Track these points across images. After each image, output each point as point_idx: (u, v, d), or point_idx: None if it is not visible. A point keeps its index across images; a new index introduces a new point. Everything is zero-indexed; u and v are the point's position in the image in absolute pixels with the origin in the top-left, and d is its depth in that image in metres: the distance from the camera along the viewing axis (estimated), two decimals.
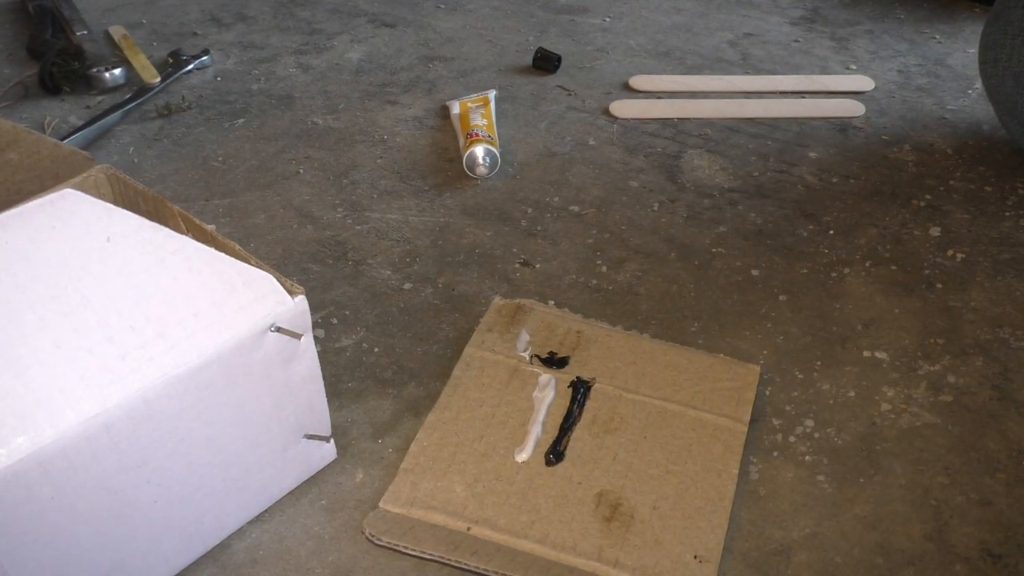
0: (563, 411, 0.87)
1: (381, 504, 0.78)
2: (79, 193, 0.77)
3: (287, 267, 1.05)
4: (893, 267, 1.08)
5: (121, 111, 1.29)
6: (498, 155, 1.20)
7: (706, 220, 1.15)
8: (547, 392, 0.88)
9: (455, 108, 1.30)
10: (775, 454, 0.85)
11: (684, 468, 0.82)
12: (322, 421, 0.80)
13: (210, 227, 0.78)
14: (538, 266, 1.07)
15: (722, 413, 0.87)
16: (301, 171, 1.21)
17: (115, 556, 0.68)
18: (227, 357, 0.67)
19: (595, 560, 0.74)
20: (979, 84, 1.34)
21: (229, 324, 0.68)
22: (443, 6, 1.65)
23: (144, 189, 0.81)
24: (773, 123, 1.35)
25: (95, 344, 0.65)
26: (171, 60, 1.42)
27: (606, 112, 1.36)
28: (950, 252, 1.10)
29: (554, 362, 0.91)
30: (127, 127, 1.29)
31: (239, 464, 0.73)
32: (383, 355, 0.94)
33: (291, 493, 0.80)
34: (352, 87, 1.40)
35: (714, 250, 1.10)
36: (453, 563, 0.73)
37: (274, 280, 0.71)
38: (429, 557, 0.73)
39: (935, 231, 1.13)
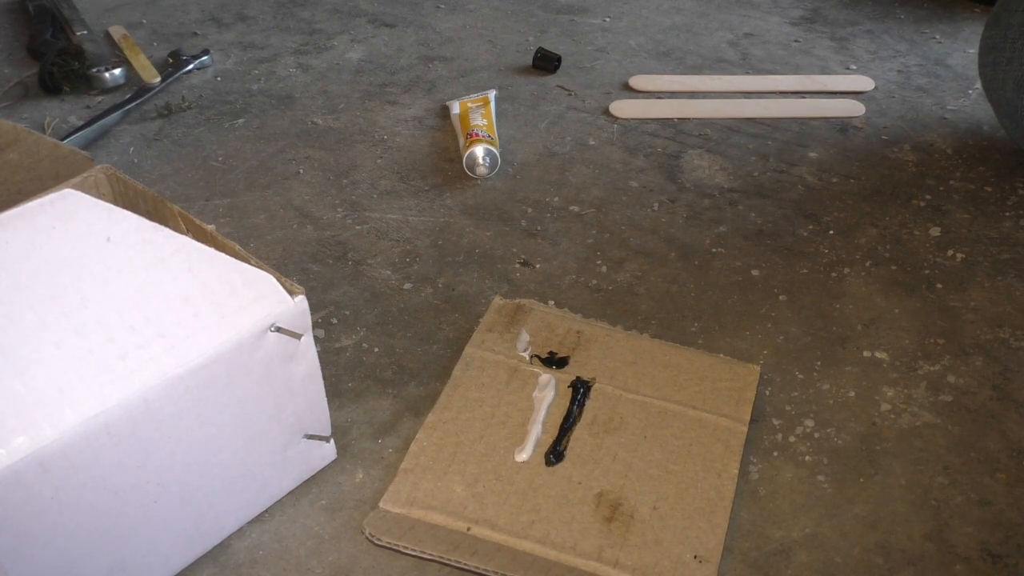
0: (563, 411, 0.87)
1: (381, 504, 0.78)
2: (79, 193, 0.77)
3: (287, 267, 1.05)
4: (893, 267, 1.08)
5: (121, 111, 1.29)
6: (498, 155, 1.20)
7: (706, 220, 1.15)
8: (547, 392, 0.88)
9: (455, 108, 1.30)
10: (775, 454, 0.85)
11: (684, 468, 0.82)
12: (322, 421, 0.80)
13: (210, 227, 0.78)
14: (538, 266, 1.07)
15: (722, 413, 0.87)
16: (301, 171, 1.21)
17: (115, 556, 0.68)
18: (227, 357, 0.67)
19: (595, 560, 0.74)
20: (979, 84, 1.34)
21: (229, 324, 0.68)
22: (443, 6, 1.65)
23: (144, 189, 0.81)
24: (773, 123, 1.35)
25: (95, 344, 0.65)
26: (171, 60, 1.42)
27: (606, 112, 1.36)
28: (950, 252, 1.10)
29: (554, 362, 0.91)
30: (127, 127, 1.29)
31: (239, 464, 0.73)
32: (383, 355, 0.94)
33: (291, 493, 0.80)
34: (352, 87, 1.40)
35: (714, 250, 1.10)
36: (453, 563, 0.73)
37: (274, 280, 0.71)
38: (429, 557, 0.73)
39: (935, 231, 1.14)
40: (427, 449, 0.82)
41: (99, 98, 1.35)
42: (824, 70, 1.48)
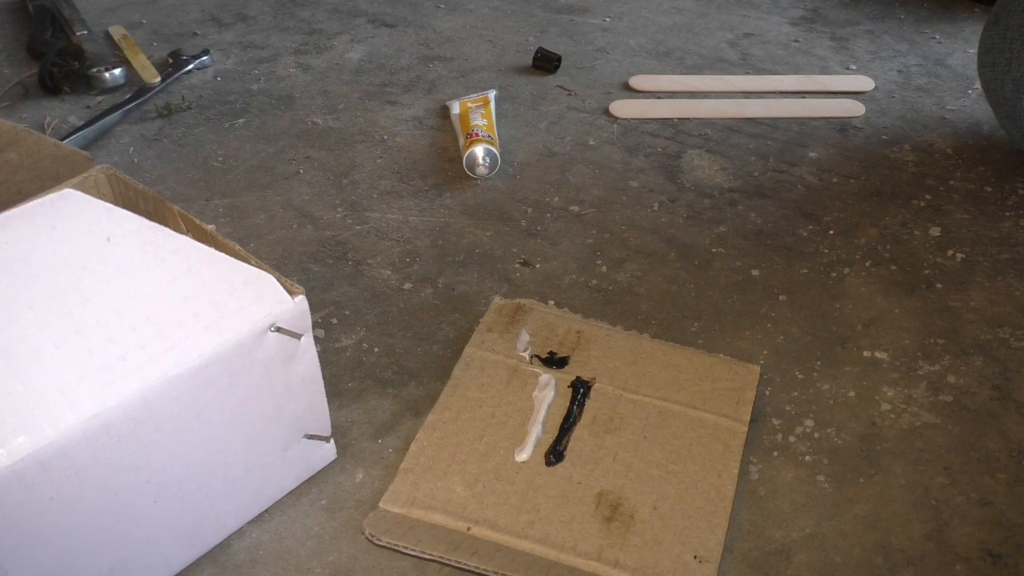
0: (563, 411, 0.87)
1: (381, 504, 0.78)
2: (79, 193, 0.77)
3: (287, 267, 1.05)
4: (893, 267, 1.08)
5: (121, 111, 1.29)
6: (498, 155, 1.20)
7: (706, 220, 1.15)
8: (547, 392, 0.88)
9: (455, 108, 1.30)
10: (775, 454, 0.85)
11: (684, 468, 0.82)
12: (322, 421, 0.80)
13: (210, 227, 0.78)
14: (538, 266, 1.07)
15: (722, 413, 0.87)
16: (301, 171, 1.21)
17: (115, 556, 0.68)
18: (227, 357, 0.67)
19: (595, 560, 0.74)
20: (979, 84, 1.34)
21: (229, 324, 0.68)
22: (443, 6, 1.65)
23: (144, 189, 0.81)
24: (773, 123, 1.35)
25: (95, 344, 0.65)
26: (171, 60, 1.42)
27: (606, 112, 1.36)
28: (950, 252, 1.10)
29: (554, 362, 0.91)
30: (127, 127, 1.29)
31: (239, 464, 0.73)
32: (383, 355, 0.95)
33: (291, 493, 0.80)
34: (352, 87, 1.40)
35: (714, 250, 1.10)
36: (453, 563, 0.73)
37: (274, 280, 0.71)
38: (429, 557, 0.73)
39: (935, 231, 1.14)
40: (427, 449, 0.82)
41: (99, 98, 1.35)
42: (824, 70, 1.48)
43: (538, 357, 0.92)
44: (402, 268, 1.06)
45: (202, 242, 0.74)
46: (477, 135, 1.20)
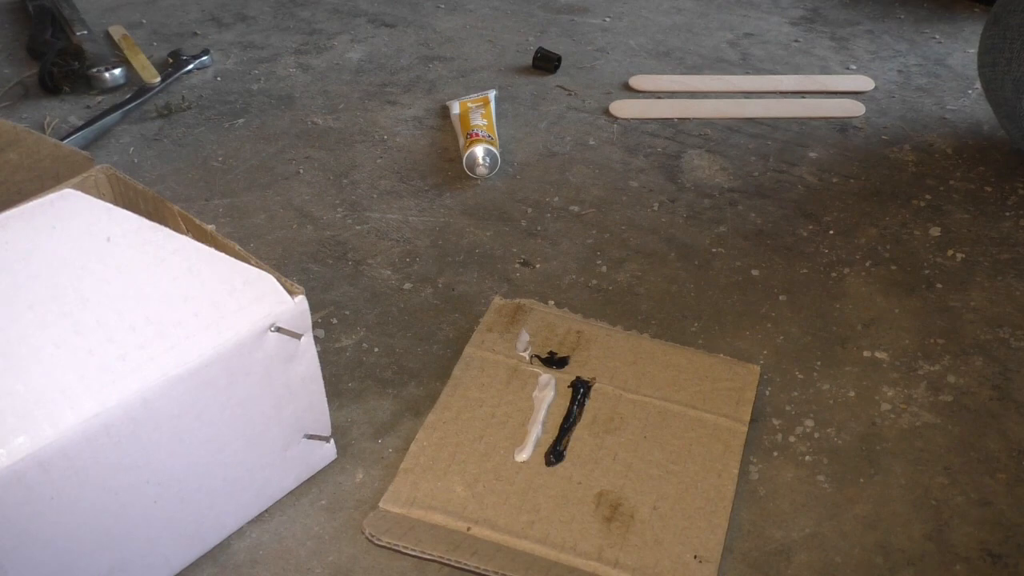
0: (563, 411, 0.87)
1: (381, 504, 0.78)
2: (79, 193, 0.77)
3: (287, 267, 1.05)
4: (893, 267, 1.08)
5: (121, 111, 1.29)
6: (498, 155, 1.20)
7: (706, 220, 1.15)
8: (547, 392, 0.88)
9: (455, 108, 1.30)
10: (775, 454, 0.85)
11: (684, 468, 0.82)
12: (322, 421, 0.80)
13: (210, 227, 0.78)
14: (538, 266, 1.07)
15: (722, 413, 0.87)
16: (301, 171, 1.21)
17: (115, 556, 0.68)
18: (227, 357, 0.67)
19: (595, 560, 0.74)
20: (979, 84, 1.34)
21: (229, 324, 0.68)
22: (443, 6, 1.65)
23: (144, 189, 0.81)
24: (773, 123, 1.35)
25: (95, 344, 0.65)
26: (171, 60, 1.42)
27: (606, 112, 1.36)
28: (950, 252, 1.10)
29: (554, 362, 0.91)
30: (127, 127, 1.29)
31: (239, 464, 0.73)
32: (383, 355, 0.95)
33: (291, 493, 0.80)
34: (352, 87, 1.40)
35: (714, 250, 1.10)
36: (453, 563, 0.73)
37: (274, 280, 0.71)
38: (429, 557, 0.73)
39: (935, 231, 1.14)
40: (427, 449, 0.82)
41: (99, 98, 1.35)
42: (824, 70, 1.48)
43: (538, 357, 0.92)
44: (402, 268, 1.06)
45: (202, 242, 0.74)
46: (477, 135, 1.20)
